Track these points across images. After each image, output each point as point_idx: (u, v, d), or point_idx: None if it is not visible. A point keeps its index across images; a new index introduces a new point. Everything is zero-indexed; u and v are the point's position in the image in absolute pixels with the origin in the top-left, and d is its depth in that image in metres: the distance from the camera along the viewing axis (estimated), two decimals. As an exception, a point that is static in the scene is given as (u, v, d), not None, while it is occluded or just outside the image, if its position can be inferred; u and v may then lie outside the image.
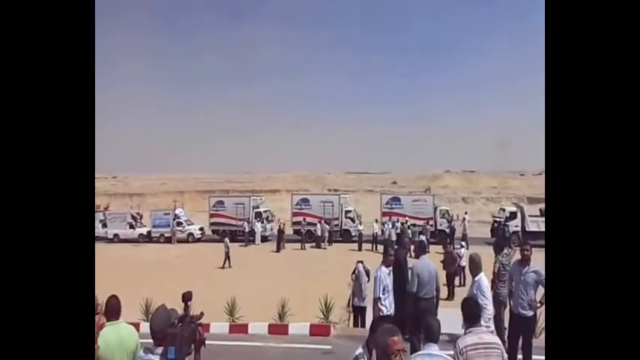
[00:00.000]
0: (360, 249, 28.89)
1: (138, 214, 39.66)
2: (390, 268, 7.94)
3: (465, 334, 4.16)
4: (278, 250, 29.72)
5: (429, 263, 8.10)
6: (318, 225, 31.19)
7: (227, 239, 26.70)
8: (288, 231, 32.55)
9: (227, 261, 24.70)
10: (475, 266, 7.02)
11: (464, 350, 3.97)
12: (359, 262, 12.42)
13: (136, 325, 8.27)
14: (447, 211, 32.29)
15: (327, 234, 31.07)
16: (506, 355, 4.08)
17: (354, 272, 12.49)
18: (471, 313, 4.26)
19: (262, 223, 33.85)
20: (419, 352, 4.02)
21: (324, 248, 30.33)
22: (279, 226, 31.11)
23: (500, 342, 4.16)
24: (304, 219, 32.19)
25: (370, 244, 29.09)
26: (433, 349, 3.91)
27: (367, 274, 12.18)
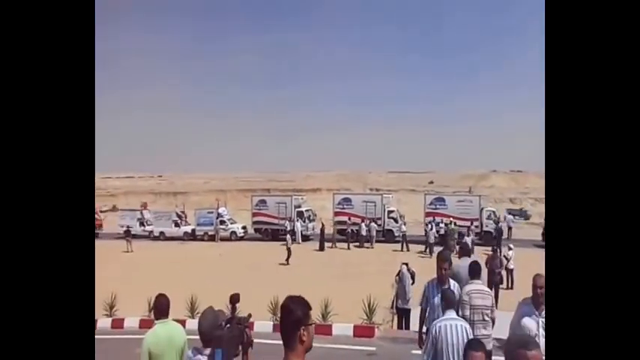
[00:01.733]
0: (403, 249, 28.57)
1: (182, 212, 40.71)
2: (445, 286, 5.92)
3: (469, 283, 6.01)
4: (321, 248, 29.74)
5: (465, 264, 7.87)
6: (363, 225, 31.06)
7: (289, 236, 26.98)
8: (329, 230, 32.56)
9: (288, 258, 25.25)
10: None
11: (469, 293, 5.83)
12: (403, 264, 12.25)
13: (183, 323, 8.46)
14: (494, 211, 31.40)
15: (374, 233, 30.82)
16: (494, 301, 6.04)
17: (398, 274, 12.34)
18: (475, 270, 6.13)
19: (304, 222, 34.00)
20: (441, 317, 4.98)
21: (370, 248, 30.14)
22: (322, 226, 31.10)
23: (490, 291, 6.19)
24: (349, 218, 32.15)
25: (415, 245, 28.70)
26: (452, 314, 4.93)
27: (412, 276, 12.00)
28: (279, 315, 3.10)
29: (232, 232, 35.85)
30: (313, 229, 34.66)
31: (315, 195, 57.21)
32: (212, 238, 35.59)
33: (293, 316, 2.45)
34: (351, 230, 31.34)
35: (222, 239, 35.23)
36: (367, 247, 30.14)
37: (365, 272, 21.33)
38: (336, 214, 33.63)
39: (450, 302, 5.03)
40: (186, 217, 39.87)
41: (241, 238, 35.70)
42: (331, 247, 30.35)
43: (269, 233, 35.04)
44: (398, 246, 29.38)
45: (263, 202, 36.01)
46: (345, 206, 33.44)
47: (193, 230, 36.98)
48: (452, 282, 5.96)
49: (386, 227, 32.31)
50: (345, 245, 30.52)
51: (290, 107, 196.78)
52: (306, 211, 35.36)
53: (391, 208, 33.23)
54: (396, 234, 31.60)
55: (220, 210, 37.76)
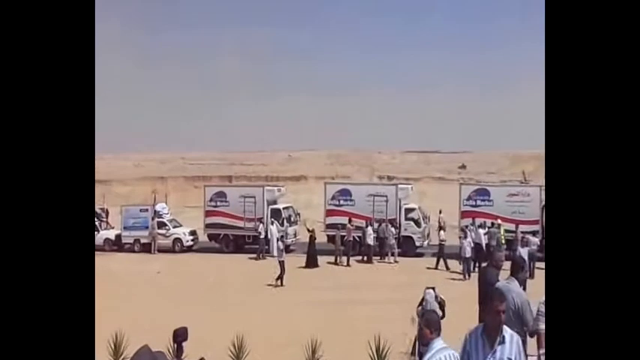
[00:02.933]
0: (438, 266, 28.31)
1: (102, 209, 40.35)
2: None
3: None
4: (308, 265, 29.66)
5: (520, 291, 7.90)
6: (368, 229, 30.84)
7: (282, 247, 27.24)
8: (321, 237, 32.60)
9: (280, 279, 25.52)
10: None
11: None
12: (428, 289, 12.33)
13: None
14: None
15: (392, 241, 30.84)
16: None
17: (420, 304, 12.41)
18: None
19: (282, 225, 34.03)
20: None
21: (390, 263, 30.15)
22: (310, 232, 30.92)
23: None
24: (349, 220, 31.89)
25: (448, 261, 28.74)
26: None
27: (441, 307, 12.09)
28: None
29: (176, 239, 35.93)
30: (295, 236, 34.80)
31: (299, 185, 57.35)
32: (146, 248, 35.65)
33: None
34: (353, 237, 31.28)
35: (162, 250, 35.35)
36: (388, 263, 30.25)
37: (371, 300, 21.46)
38: (330, 213, 33.69)
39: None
40: (107, 217, 39.77)
41: (189, 249, 35.91)
42: (335, 264, 30.24)
43: (230, 241, 35.20)
44: (423, 261, 29.57)
45: (222, 195, 36.05)
46: (342, 202, 33.53)
47: (118, 236, 37.07)
48: (509, 333, 5.61)
49: (403, 233, 32.36)
50: (342, 260, 30.57)
51: (268, 52, 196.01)
52: (285, 208, 35.41)
53: (410, 205, 33.29)
54: (418, 243, 31.68)
55: (158, 207, 37.78)
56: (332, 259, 30.77)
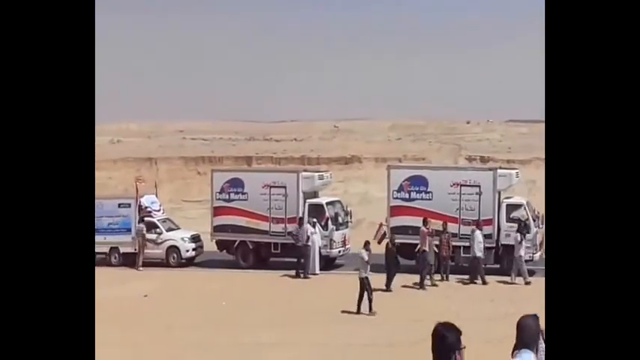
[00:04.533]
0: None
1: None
2: None
3: None
4: (388, 286, 29.12)
5: None
6: (476, 233, 30.10)
7: (367, 258, 26.61)
8: (379, 245, 32.36)
9: (369, 301, 25.25)
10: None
11: None
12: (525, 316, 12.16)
13: None
14: None
15: (520, 253, 30.37)
16: None
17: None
18: None
19: (325, 227, 33.88)
20: None
21: (483, 283, 29.75)
22: (382, 234, 30.26)
23: None
24: (425, 220, 31.43)
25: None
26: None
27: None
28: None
29: (171, 247, 36.27)
30: (344, 244, 34.85)
31: (350, 169, 57.25)
32: (128, 260, 36.10)
33: (446, 341, 4.99)
34: (436, 246, 30.72)
35: (147, 263, 35.75)
36: (473, 283, 29.92)
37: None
38: (396, 211, 33.54)
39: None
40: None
41: (189, 261, 36.28)
42: (418, 286, 29.67)
43: (249, 251, 35.41)
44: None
45: (237, 183, 36.20)
46: (413, 193, 33.33)
47: (88, 243, 37.38)
48: None
49: (504, 241, 31.94)
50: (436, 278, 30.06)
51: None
52: (331, 204, 35.44)
53: (516, 200, 32.98)
54: (522, 253, 31.17)
55: (145, 200, 38.03)
56: (404, 278, 30.46)
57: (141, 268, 35.26)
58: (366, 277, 25.53)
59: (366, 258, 26.25)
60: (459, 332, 5.06)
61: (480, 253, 30.40)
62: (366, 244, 27.71)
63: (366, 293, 25.28)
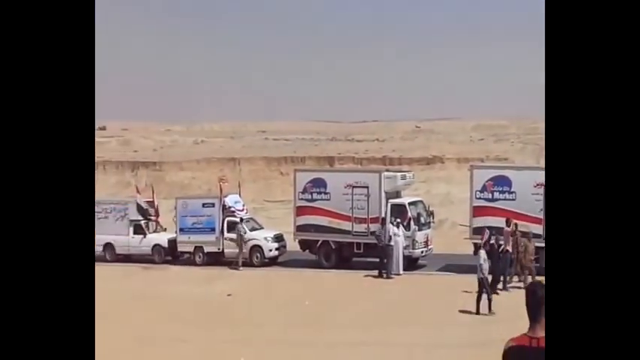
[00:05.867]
0: None
1: (149, 203, 40.47)
2: None
3: None
4: (494, 289, 28.44)
5: None
6: None
7: (484, 257, 26.29)
8: (460, 246, 32.12)
9: (479, 306, 25.19)
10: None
11: None
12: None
13: None
14: None
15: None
16: None
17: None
18: None
19: (408, 227, 33.69)
20: None
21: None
22: (489, 240, 29.55)
23: None
24: (508, 221, 30.84)
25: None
26: None
27: None
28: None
29: (255, 247, 36.51)
30: (427, 245, 34.70)
31: (432, 170, 56.97)
32: (212, 259, 36.54)
33: (537, 295, 5.77)
34: (517, 249, 30.01)
35: (231, 261, 36.03)
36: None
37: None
38: (478, 211, 33.24)
39: None
40: (157, 214, 40.52)
41: (273, 261, 36.56)
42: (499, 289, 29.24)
43: (331, 251, 35.51)
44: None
45: (319, 184, 36.27)
46: (497, 193, 33.00)
47: (172, 241, 38.14)
48: None
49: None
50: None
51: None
52: (413, 204, 35.26)
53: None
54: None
55: (229, 200, 38.18)
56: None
57: (241, 268, 35.38)
58: (484, 278, 25.54)
59: (483, 258, 26.25)
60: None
61: None
62: (485, 245, 27.86)
63: (485, 294, 25.28)
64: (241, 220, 36.88)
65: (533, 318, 6.05)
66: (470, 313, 24.81)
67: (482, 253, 26.53)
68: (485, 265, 25.87)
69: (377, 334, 22.74)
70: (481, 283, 25.39)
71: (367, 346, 21.17)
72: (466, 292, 27.53)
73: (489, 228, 30.80)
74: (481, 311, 24.99)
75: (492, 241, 28.70)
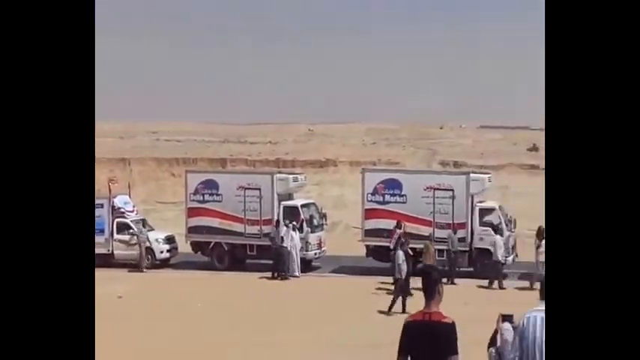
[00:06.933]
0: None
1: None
2: None
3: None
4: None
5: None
6: (498, 238, 30.28)
7: (403, 259, 26.39)
8: (353, 247, 32.40)
9: (392, 305, 25.29)
10: None
11: None
12: (504, 316, 12.45)
13: None
14: None
15: (501, 257, 30.43)
16: None
17: (493, 338, 12.50)
18: None
19: (300, 230, 33.91)
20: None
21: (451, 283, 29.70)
22: (398, 241, 29.74)
23: None
24: (398, 223, 31.25)
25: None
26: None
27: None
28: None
29: (146, 249, 36.01)
30: (320, 247, 35.07)
31: (325, 173, 57.33)
32: (101, 261, 35.62)
33: (431, 277, 7.06)
34: (410, 249, 30.40)
35: (121, 263, 35.76)
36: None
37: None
38: (370, 214, 33.74)
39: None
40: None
41: (164, 263, 36.38)
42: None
43: (224, 253, 35.53)
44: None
45: (212, 185, 36.20)
46: (388, 196, 33.53)
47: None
48: None
49: (477, 244, 32.13)
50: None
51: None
52: (305, 206, 35.61)
53: (488, 204, 33.32)
54: (500, 258, 31.32)
55: (118, 201, 37.76)
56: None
57: (145, 270, 34.99)
58: (400, 279, 25.86)
59: (402, 259, 26.53)
60: (439, 271, 7.22)
61: (500, 257, 30.63)
62: (401, 246, 28.04)
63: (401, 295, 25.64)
64: (143, 221, 36.83)
65: (429, 296, 6.99)
66: (383, 313, 25.04)
67: (401, 254, 26.77)
68: (404, 266, 26.11)
69: (269, 334, 22.71)
70: (397, 283, 25.86)
71: (260, 347, 21.14)
72: (379, 289, 28.84)
73: (383, 230, 31.40)
74: (393, 311, 25.14)
75: (403, 242, 29.26)
